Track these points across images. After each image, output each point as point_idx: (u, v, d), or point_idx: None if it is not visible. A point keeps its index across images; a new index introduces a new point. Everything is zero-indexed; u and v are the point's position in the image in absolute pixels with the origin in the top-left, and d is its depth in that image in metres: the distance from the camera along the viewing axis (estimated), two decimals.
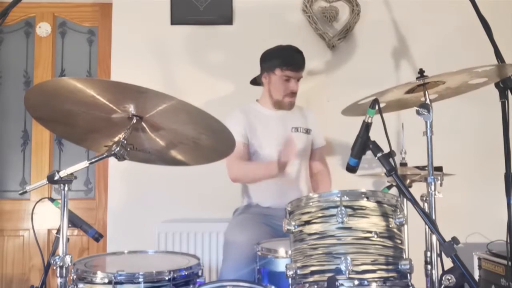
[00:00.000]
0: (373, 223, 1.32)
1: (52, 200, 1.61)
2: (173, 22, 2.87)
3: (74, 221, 1.61)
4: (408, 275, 1.32)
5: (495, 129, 1.82)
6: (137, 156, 1.67)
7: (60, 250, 1.39)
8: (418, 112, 1.51)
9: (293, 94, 2.29)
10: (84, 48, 3.10)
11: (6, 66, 3.07)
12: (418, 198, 1.39)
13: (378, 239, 1.30)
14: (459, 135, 2.80)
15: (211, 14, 2.86)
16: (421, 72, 1.58)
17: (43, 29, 3.07)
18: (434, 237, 1.66)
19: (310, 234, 1.34)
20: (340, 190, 1.34)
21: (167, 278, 1.48)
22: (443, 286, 1.23)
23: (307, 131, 2.37)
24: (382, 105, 1.53)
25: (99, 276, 1.47)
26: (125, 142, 1.44)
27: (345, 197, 1.32)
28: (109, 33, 2.92)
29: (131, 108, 1.43)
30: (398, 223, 1.34)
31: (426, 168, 1.58)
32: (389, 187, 1.95)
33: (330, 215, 1.32)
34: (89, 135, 1.63)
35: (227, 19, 2.87)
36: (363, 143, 1.44)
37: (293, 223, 1.38)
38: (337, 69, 2.86)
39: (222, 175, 2.26)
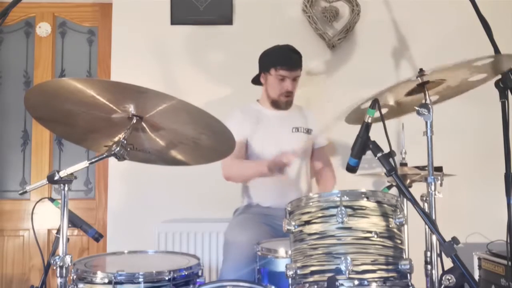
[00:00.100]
0: (373, 223, 1.32)
1: (52, 200, 1.61)
2: (173, 22, 2.87)
3: (74, 221, 1.61)
4: (408, 275, 1.32)
5: (495, 129, 1.82)
6: (137, 156, 1.67)
7: (60, 250, 1.39)
8: (418, 112, 1.51)
9: (289, 93, 2.28)
10: (84, 48, 3.10)
11: (6, 66, 3.07)
12: (418, 198, 1.39)
13: (378, 239, 1.30)
14: (459, 135, 2.80)
15: (211, 14, 2.86)
16: (421, 71, 1.57)
17: (43, 29, 3.07)
18: (434, 237, 1.66)
19: (310, 234, 1.34)
20: (340, 190, 1.34)
21: (167, 278, 1.48)
22: (443, 286, 1.23)
23: (308, 131, 2.37)
24: (383, 110, 1.53)
25: (99, 276, 1.47)
26: (125, 142, 1.44)
27: (345, 197, 1.32)
28: (109, 33, 2.92)
29: (131, 108, 1.43)
30: (398, 223, 1.34)
31: (426, 168, 1.58)
32: (389, 187, 1.95)
33: (330, 215, 1.32)
34: (89, 135, 1.63)
35: (227, 19, 2.87)
36: (363, 143, 1.44)
37: (293, 223, 1.38)
38: (337, 69, 2.86)
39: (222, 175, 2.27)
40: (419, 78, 1.49)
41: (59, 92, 1.36)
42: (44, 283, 1.62)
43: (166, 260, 1.74)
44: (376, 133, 1.46)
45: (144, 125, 1.50)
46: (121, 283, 1.45)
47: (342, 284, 1.25)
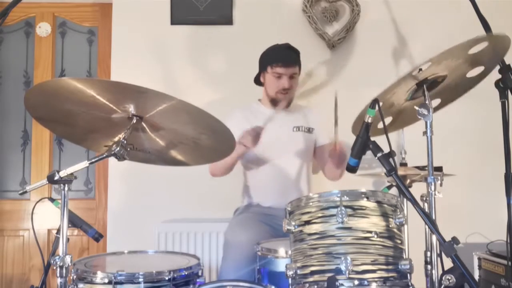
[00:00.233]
0: (373, 223, 1.32)
1: (52, 200, 1.61)
2: (173, 22, 2.87)
3: (74, 221, 1.61)
4: (408, 275, 1.32)
5: (495, 129, 1.82)
6: (137, 156, 1.67)
7: (60, 250, 1.39)
8: (418, 113, 1.51)
9: (286, 90, 2.26)
10: (84, 48, 3.10)
11: (6, 66, 3.07)
12: (418, 198, 1.39)
13: (378, 239, 1.30)
14: (459, 135, 2.80)
15: (211, 14, 2.86)
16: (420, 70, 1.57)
17: (43, 29, 3.07)
18: (434, 237, 1.65)
19: (310, 234, 1.34)
20: (340, 190, 1.34)
21: (167, 278, 1.48)
22: (443, 286, 1.23)
23: (309, 130, 2.36)
24: (387, 121, 1.52)
25: (99, 276, 1.47)
26: (125, 142, 1.44)
27: (345, 197, 1.32)
28: (109, 33, 2.92)
29: (131, 108, 1.43)
30: (398, 223, 1.34)
31: (426, 168, 1.58)
32: (389, 187, 1.95)
33: (330, 215, 1.32)
34: (89, 135, 1.63)
35: (227, 19, 2.87)
36: (363, 143, 1.44)
37: (293, 223, 1.38)
38: (337, 69, 2.86)
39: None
40: (418, 74, 1.48)
41: (59, 92, 1.37)
42: (44, 283, 1.62)
43: (166, 260, 1.74)
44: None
45: (144, 125, 1.50)
46: (121, 283, 1.45)
47: (342, 284, 1.25)
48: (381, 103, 1.45)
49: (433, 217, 1.48)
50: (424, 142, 1.54)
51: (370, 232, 1.30)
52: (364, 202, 1.33)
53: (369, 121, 1.44)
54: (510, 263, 1.67)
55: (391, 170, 1.38)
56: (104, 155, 1.42)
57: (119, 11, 2.88)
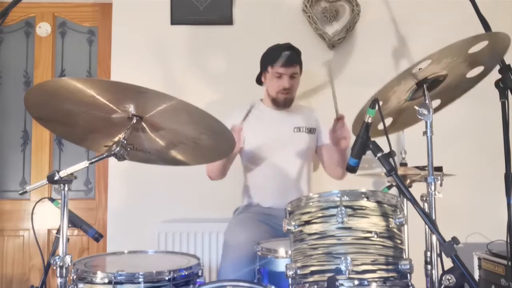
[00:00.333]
0: (373, 223, 1.32)
1: (52, 200, 1.61)
2: (173, 22, 2.87)
3: (74, 221, 1.61)
4: (408, 275, 1.32)
5: (495, 129, 1.82)
6: (137, 156, 1.67)
7: (60, 250, 1.39)
8: (418, 113, 1.51)
9: (286, 90, 2.26)
10: (84, 48, 3.10)
11: (6, 66, 3.07)
12: (418, 198, 1.39)
13: (378, 239, 1.30)
14: (459, 135, 2.80)
15: (211, 14, 2.86)
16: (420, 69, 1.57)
17: (43, 29, 3.07)
18: (434, 237, 1.65)
19: (310, 234, 1.34)
20: (340, 190, 1.34)
21: (167, 278, 1.48)
22: (443, 286, 1.23)
23: (311, 131, 2.35)
24: (387, 121, 1.52)
25: (99, 276, 1.47)
26: (125, 142, 1.44)
27: (345, 197, 1.32)
28: (109, 33, 2.92)
29: (131, 108, 1.43)
30: (398, 223, 1.34)
31: (426, 168, 1.58)
32: (389, 187, 1.95)
33: (330, 215, 1.32)
34: (89, 135, 1.63)
35: (227, 19, 2.87)
36: (363, 143, 1.44)
37: (293, 223, 1.38)
38: (337, 69, 2.86)
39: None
40: (417, 72, 1.48)
41: (59, 92, 1.37)
42: (44, 283, 1.62)
43: (166, 260, 1.74)
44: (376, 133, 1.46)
45: (144, 125, 1.50)
46: (121, 283, 1.45)
47: (342, 284, 1.25)
48: (381, 102, 1.45)
49: (433, 217, 1.48)
50: (424, 142, 1.54)
51: (370, 232, 1.30)
52: (364, 202, 1.33)
53: (369, 121, 1.44)
54: (510, 263, 1.67)
55: (391, 170, 1.38)
56: (104, 155, 1.42)
57: (119, 11, 2.88)
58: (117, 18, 2.87)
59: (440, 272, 1.47)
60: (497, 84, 1.58)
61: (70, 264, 1.39)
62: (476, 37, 1.41)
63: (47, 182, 1.37)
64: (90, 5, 3.09)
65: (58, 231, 1.41)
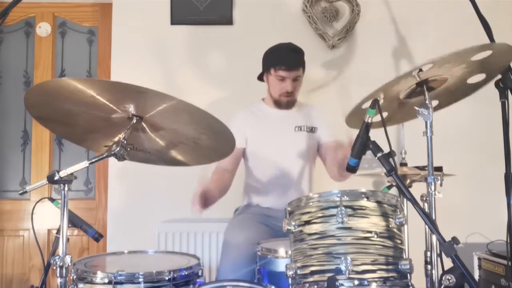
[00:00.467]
0: (373, 223, 1.32)
1: (52, 200, 1.61)
2: (173, 22, 2.87)
3: (74, 221, 1.61)
4: (408, 275, 1.32)
5: (495, 129, 1.82)
6: (137, 156, 1.67)
7: (60, 250, 1.39)
8: (418, 112, 1.51)
9: (289, 94, 2.25)
10: (84, 48, 3.10)
11: (6, 66, 3.07)
12: (418, 198, 1.39)
13: (378, 239, 1.30)
14: (459, 135, 2.80)
15: (211, 14, 2.86)
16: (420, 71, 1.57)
17: (43, 29, 3.07)
18: (434, 237, 1.65)
19: (310, 234, 1.34)
20: (340, 190, 1.34)
21: (167, 278, 1.48)
22: (443, 286, 1.23)
23: (312, 130, 2.34)
24: (385, 114, 1.52)
25: (99, 276, 1.46)
26: (125, 142, 1.44)
27: (345, 197, 1.32)
28: (109, 33, 2.93)
29: (131, 108, 1.43)
30: (398, 223, 1.34)
31: (426, 168, 1.58)
32: (389, 187, 1.95)
33: (330, 215, 1.32)
34: (89, 135, 1.63)
35: (227, 19, 2.87)
36: (363, 143, 1.44)
37: (293, 223, 1.38)
38: (337, 69, 2.86)
39: None
40: (418, 74, 1.48)
41: (59, 92, 1.37)
42: (44, 283, 1.62)
43: (166, 260, 1.74)
44: (376, 133, 1.45)
45: (144, 125, 1.50)
46: (121, 283, 1.45)
47: (342, 284, 1.25)
48: (381, 101, 1.45)
49: (433, 217, 1.48)
50: (424, 142, 1.54)
51: (370, 232, 1.30)
52: (364, 202, 1.33)
53: (369, 121, 1.44)
54: (510, 263, 1.67)
55: (391, 170, 1.38)
56: (104, 155, 1.42)
57: (119, 11, 2.88)
58: (117, 18, 2.87)
59: (440, 272, 1.47)
60: (497, 84, 1.58)
61: (70, 264, 1.39)
62: (481, 47, 1.41)
63: (47, 182, 1.37)
64: (90, 5, 3.09)
65: (58, 231, 1.41)
